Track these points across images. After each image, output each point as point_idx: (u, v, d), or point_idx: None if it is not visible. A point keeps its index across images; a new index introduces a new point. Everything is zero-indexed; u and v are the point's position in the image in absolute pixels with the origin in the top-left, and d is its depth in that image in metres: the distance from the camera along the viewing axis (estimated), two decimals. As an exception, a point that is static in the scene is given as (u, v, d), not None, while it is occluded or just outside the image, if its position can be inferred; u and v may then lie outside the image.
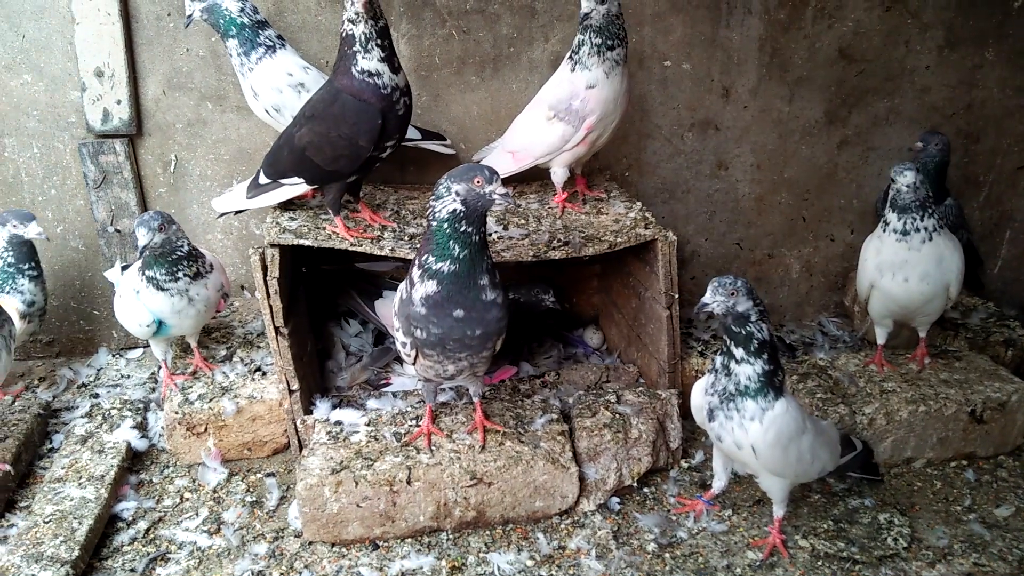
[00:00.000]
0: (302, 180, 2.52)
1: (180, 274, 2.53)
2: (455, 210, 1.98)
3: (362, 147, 2.40)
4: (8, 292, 2.73)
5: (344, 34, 2.32)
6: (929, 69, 3.26)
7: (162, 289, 2.52)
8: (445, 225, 1.99)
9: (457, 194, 1.97)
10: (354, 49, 2.31)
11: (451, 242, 2.00)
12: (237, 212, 2.83)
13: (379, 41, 2.30)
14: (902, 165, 2.53)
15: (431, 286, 2.03)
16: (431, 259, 2.03)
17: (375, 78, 2.32)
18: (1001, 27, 3.24)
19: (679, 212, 3.35)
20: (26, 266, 2.74)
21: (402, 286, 2.16)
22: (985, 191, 3.48)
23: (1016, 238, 3.58)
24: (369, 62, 2.31)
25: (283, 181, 2.55)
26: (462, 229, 1.99)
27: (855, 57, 3.21)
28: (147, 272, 2.52)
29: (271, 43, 2.68)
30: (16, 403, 2.73)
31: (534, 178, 3.00)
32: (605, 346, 3.25)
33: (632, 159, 3.25)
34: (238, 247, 3.19)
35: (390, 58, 2.34)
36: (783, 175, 3.35)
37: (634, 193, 3.13)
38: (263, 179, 2.58)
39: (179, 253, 2.51)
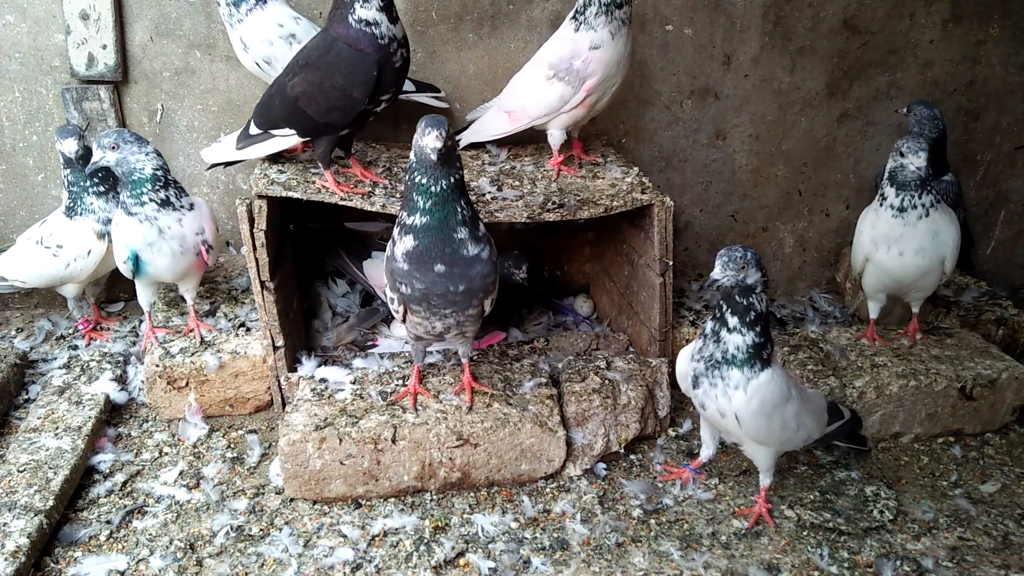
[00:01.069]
0: (294, 132, 2.46)
1: (145, 198, 2.39)
2: (410, 162, 2.01)
3: (356, 99, 2.34)
4: (81, 214, 2.59)
5: None
6: (933, 43, 3.21)
7: (130, 214, 2.41)
8: (407, 178, 2.03)
9: (413, 146, 2.00)
10: None
11: (414, 194, 2.01)
12: (227, 165, 2.76)
13: None
14: (915, 143, 2.43)
15: (409, 241, 2.05)
16: (404, 214, 2.06)
17: (373, 28, 2.27)
18: (1007, 3, 3.19)
19: (675, 181, 3.30)
20: (89, 183, 2.58)
21: (389, 244, 2.16)
22: (983, 170, 3.45)
23: (1011, 219, 3.56)
24: (367, 11, 2.26)
25: (274, 132, 2.49)
26: (417, 180, 2.00)
27: (859, 28, 3.15)
28: (120, 196, 2.44)
29: None
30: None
31: (530, 140, 2.94)
32: (595, 315, 3.22)
33: (630, 125, 3.20)
34: (224, 201, 3.12)
35: (389, 8, 2.29)
36: (781, 147, 3.30)
37: (631, 160, 3.07)
38: (253, 129, 2.52)
39: (138, 175, 2.38)
